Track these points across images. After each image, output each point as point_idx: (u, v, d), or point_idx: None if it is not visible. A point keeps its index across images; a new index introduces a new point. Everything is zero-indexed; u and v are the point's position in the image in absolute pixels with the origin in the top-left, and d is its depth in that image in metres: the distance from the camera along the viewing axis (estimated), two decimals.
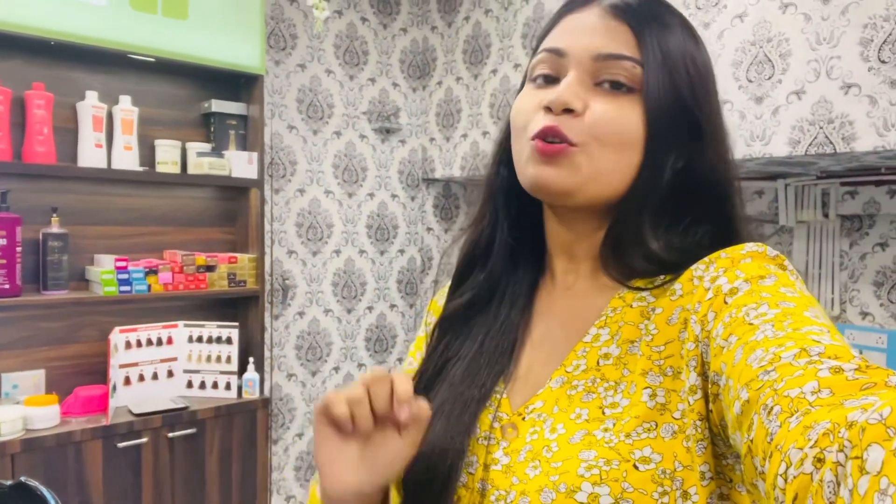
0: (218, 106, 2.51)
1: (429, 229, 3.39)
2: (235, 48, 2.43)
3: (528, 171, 0.59)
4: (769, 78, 1.93)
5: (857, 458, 0.30)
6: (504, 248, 0.68)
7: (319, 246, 3.02)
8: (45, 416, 2.03)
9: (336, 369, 3.11)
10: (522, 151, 0.61)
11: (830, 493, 0.31)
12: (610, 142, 0.57)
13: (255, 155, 2.51)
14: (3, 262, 2.01)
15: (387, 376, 0.53)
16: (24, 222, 2.11)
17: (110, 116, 2.28)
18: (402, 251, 3.32)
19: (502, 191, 0.68)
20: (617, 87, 0.58)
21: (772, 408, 0.38)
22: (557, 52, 0.60)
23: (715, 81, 0.63)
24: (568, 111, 0.57)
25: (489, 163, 0.71)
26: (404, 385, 0.53)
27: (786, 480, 0.34)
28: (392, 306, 3.30)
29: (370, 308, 3.22)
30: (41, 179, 2.20)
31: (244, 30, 2.44)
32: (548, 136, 0.57)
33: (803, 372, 0.39)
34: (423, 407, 0.54)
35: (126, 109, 2.29)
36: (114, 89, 2.32)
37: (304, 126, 2.94)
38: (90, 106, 2.20)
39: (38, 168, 2.10)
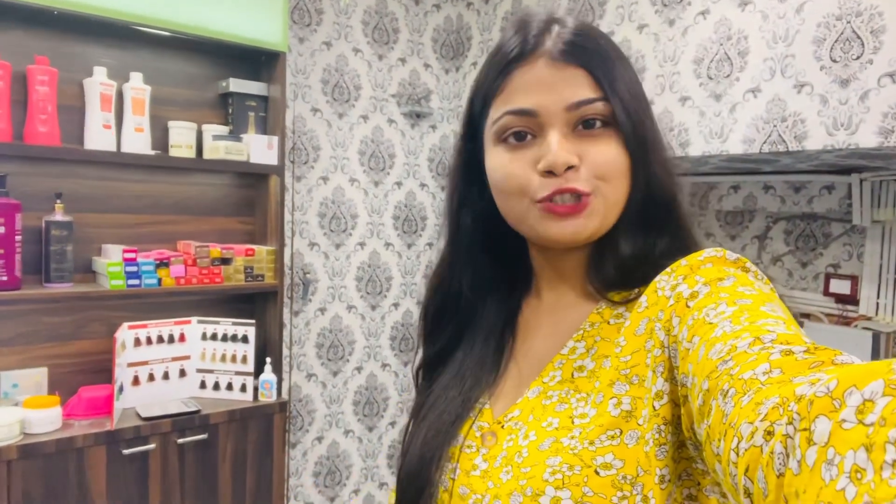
0: (236, 85, 2.33)
1: None
2: (256, 23, 2.24)
3: (547, 228, 0.62)
4: (728, 76, 1.68)
5: (805, 429, 0.31)
6: (473, 295, 0.73)
7: (343, 238, 2.83)
8: (46, 420, 1.87)
9: (359, 369, 2.93)
10: (526, 211, 0.63)
11: (780, 464, 0.32)
12: (614, 179, 0.61)
13: (275, 139, 2.32)
14: (2, 251, 1.85)
15: None
16: (25, 209, 1.96)
17: (120, 95, 2.11)
18: (430, 244, 3.12)
19: (469, 240, 0.72)
20: (590, 125, 0.61)
21: (727, 391, 0.40)
22: (527, 114, 0.62)
23: (646, 96, 0.67)
24: (569, 167, 0.60)
25: (450, 213, 0.73)
26: None
27: (738, 454, 0.36)
28: (419, 303, 3.10)
29: (396, 305, 3.03)
30: (44, 162, 2.04)
31: (266, 3, 2.26)
32: (561, 195, 0.60)
33: (756, 357, 0.40)
34: None
35: (137, 88, 2.12)
36: (124, 65, 2.16)
37: (329, 109, 2.74)
38: (98, 83, 2.03)
39: (41, 150, 1.93)
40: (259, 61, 2.41)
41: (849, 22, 1.71)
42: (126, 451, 1.95)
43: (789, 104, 1.83)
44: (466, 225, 0.72)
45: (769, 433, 0.34)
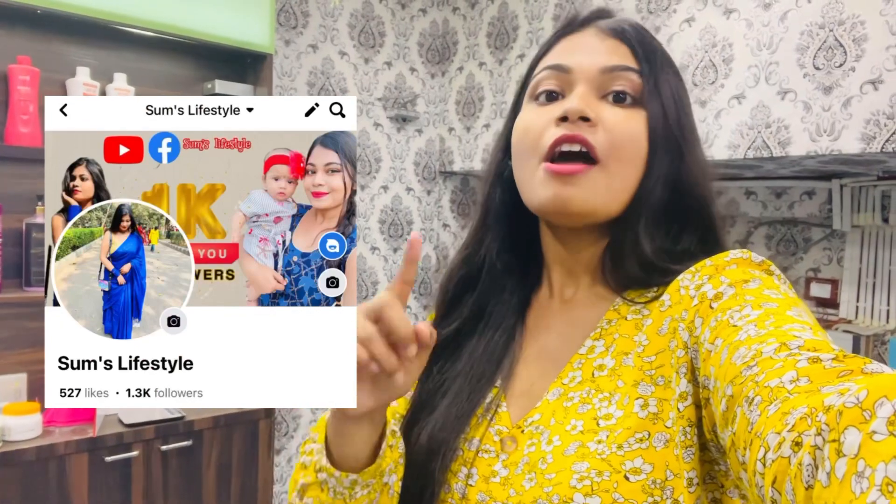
0: (222, 87, 2.31)
1: (445, 226, 3.19)
2: (242, 24, 2.23)
3: (543, 192, 0.60)
4: (713, 82, 1.72)
5: (834, 441, 0.30)
6: (494, 271, 0.70)
7: None
8: (26, 427, 1.83)
9: None
10: (533, 172, 0.62)
11: (808, 476, 0.32)
12: (625, 156, 0.60)
13: None
14: None
15: (385, 307, 0.53)
16: (6, 211, 1.92)
17: (104, 96, 2.07)
18: None
19: (498, 212, 0.70)
20: (620, 99, 0.61)
21: (753, 399, 0.39)
22: (563, 69, 0.62)
23: (688, 101, 0.66)
24: (584, 119, 0.59)
25: (485, 183, 0.72)
26: (403, 321, 0.53)
27: (764, 465, 0.35)
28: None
29: None
30: (25, 163, 2.00)
31: (252, 4, 2.24)
32: (569, 143, 0.59)
33: (783, 364, 0.40)
34: (429, 334, 0.55)
35: (121, 89, 2.09)
36: (108, 66, 2.13)
37: None
38: (81, 83, 2.01)
39: (23, 151, 1.89)
40: (245, 63, 2.38)
41: (832, 30, 1.74)
42: (108, 459, 1.91)
43: (773, 110, 1.86)
44: (497, 196, 0.70)
45: (797, 444, 0.33)
